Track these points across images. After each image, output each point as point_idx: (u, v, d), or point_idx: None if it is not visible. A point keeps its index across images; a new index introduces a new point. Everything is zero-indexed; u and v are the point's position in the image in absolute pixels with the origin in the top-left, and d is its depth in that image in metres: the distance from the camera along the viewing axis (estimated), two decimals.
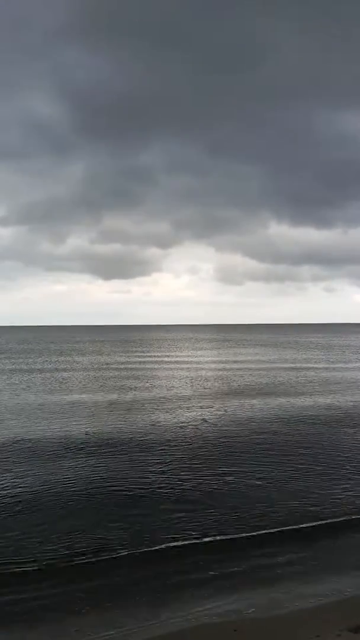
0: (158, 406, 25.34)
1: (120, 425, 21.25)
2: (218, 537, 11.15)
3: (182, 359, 60.52)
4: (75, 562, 10.11)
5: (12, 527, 11.67)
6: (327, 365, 51.12)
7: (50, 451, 17.68)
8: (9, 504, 13.08)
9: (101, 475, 15.34)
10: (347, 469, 16.04)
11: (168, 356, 67.44)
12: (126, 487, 14.26)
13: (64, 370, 49.58)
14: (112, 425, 21.52)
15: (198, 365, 52.88)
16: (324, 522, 11.97)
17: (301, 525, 11.80)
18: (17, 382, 40.26)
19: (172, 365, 52.16)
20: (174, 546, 10.76)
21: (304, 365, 51.21)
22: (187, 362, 55.05)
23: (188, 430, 20.40)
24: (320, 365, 51.10)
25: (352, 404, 27.31)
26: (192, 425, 21.28)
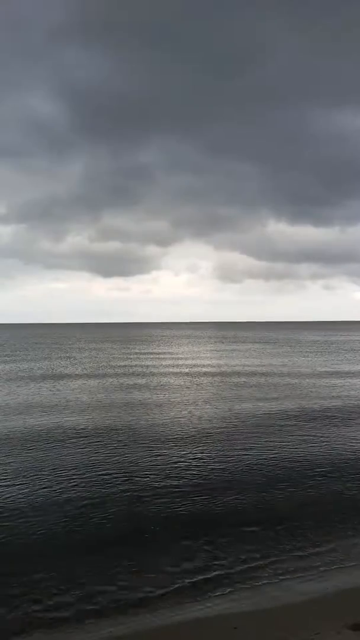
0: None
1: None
2: (218, 536, 11.18)
3: (181, 362, 60.35)
4: (74, 560, 10.17)
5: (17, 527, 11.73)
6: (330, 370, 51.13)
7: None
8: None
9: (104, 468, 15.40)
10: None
11: (167, 359, 67.34)
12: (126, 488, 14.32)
13: (58, 378, 49.18)
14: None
15: (197, 370, 52.87)
16: (324, 521, 11.99)
17: (302, 524, 11.84)
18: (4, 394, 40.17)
19: (170, 370, 51.98)
20: (174, 543, 10.81)
21: (307, 371, 51.20)
22: (186, 367, 54.82)
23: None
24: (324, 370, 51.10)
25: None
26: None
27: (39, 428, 21.60)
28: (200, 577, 9.52)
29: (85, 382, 38.67)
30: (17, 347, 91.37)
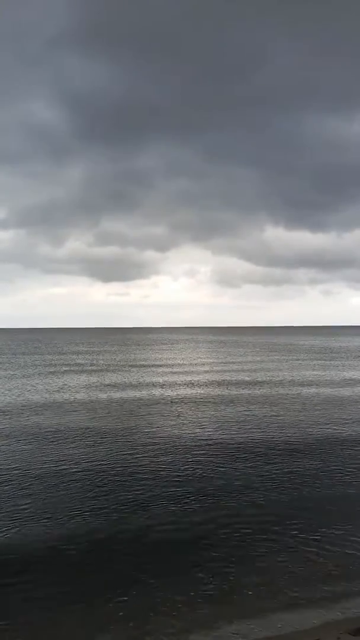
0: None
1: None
2: (219, 544, 11.26)
3: (179, 367, 60.34)
4: (74, 573, 10.22)
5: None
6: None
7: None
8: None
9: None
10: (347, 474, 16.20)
11: (165, 365, 67.26)
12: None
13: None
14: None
15: (195, 375, 52.75)
16: (324, 529, 12.05)
17: (301, 529, 11.91)
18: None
19: (169, 375, 51.90)
20: (176, 550, 10.89)
21: (308, 379, 51.03)
22: (184, 373, 54.78)
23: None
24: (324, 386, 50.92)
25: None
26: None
27: (35, 432, 21.68)
28: (201, 581, 9.58)
29: (83, 387, 38.66)
30: (16, 351, 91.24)
